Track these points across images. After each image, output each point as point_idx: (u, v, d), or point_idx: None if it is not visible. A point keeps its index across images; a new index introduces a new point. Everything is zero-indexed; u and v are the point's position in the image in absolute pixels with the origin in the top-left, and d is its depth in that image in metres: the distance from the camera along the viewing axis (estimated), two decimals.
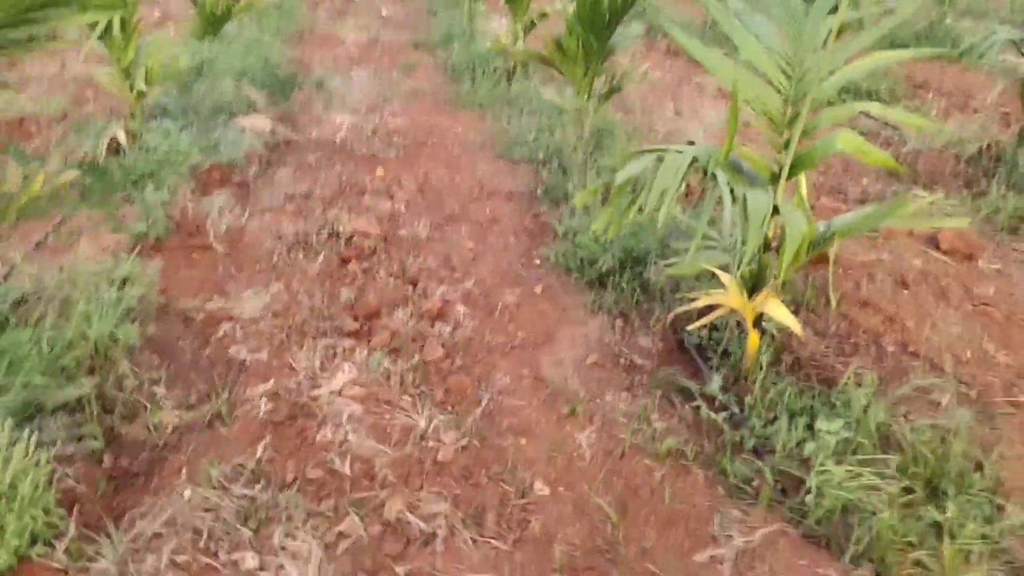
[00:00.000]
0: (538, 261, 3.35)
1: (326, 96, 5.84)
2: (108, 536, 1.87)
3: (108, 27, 4.07)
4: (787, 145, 2.30)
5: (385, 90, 6.10)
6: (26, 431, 1.93)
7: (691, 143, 2.33)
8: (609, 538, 1.94)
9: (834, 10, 2.31)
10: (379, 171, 4.31)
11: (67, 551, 1.83)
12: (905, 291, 3.14)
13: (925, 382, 2.39)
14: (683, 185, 2.05)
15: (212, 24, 6.10)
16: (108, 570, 1.79)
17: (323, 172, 4.31)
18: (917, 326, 2.85)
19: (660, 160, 2.10)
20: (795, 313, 2.84)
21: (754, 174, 2.37)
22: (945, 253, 3.46)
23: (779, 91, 2.35)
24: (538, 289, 3.11)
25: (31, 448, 1.89)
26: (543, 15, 5.93)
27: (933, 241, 3.55)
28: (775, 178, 2.33)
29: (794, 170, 2.32)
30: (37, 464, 1.87)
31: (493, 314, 2.93)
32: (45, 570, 1.78)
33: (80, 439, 2.20)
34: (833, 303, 2.95)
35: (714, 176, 2.16)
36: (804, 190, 2.41)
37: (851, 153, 2.21)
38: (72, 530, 1.87)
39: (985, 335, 2.83)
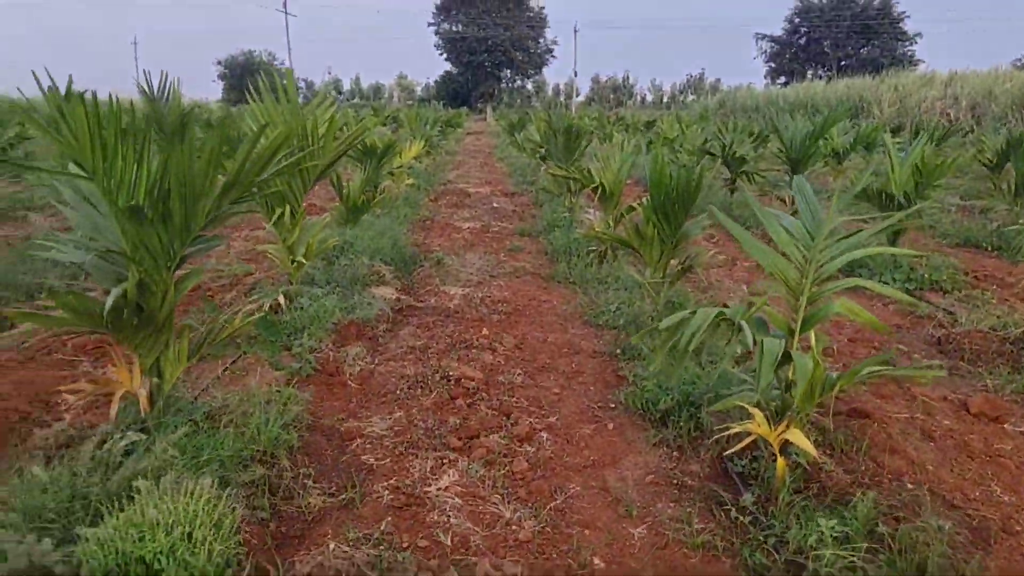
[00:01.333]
0: (612, 405, 4.00)
1: (443, 272, 6.87)
2: (277, 570, 2.56)
3: (281, 214, 5.22)
4: (798, 308, 2.97)
5: (493, 268, 7.10)
6: (224, 492, 2.69)
7: (726, 306, 3.04)
8: None
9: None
10: (484, 331, 5.15)
11: None
12: (931, 443, 3.60)
13: (912, 495, 2.86)
14: (720, 338, 2.73)
15: (354, 213, 7.36)
16: None
17: (438, 331, 5.19)
18: (935, 469, 3.31)
19: (693, 313, 2.81)
20: (830, 456, 3.37)
21: (776, 329, 3.03)
22: (974, 416, 3.91)
23: (797, 267, 3.05)
24: (610, 425, 3.76)
25: (228, 503, 2.64)
26: (631, 208, 6.88)
27: (965, 406, 4.01)
28: (792, 332, 2.99)
29: (806, 325, 2.97)
30: (233, 511, 2.61)
31: (571, 442, 3.58)
32: None
33: (253, 509, 2.94)
34: (863, 448, 3.45)
35: (739, 328, 2.83)
36: (813, 342, 3.03)
37: (845, 314, 2.86)
38: (248, 566, 2.57)
39: (995, 480, 3.26)
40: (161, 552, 2.37)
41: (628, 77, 73.93)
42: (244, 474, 3.04)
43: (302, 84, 58.50)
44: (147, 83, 7.55)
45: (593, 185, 6.80)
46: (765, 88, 48.37)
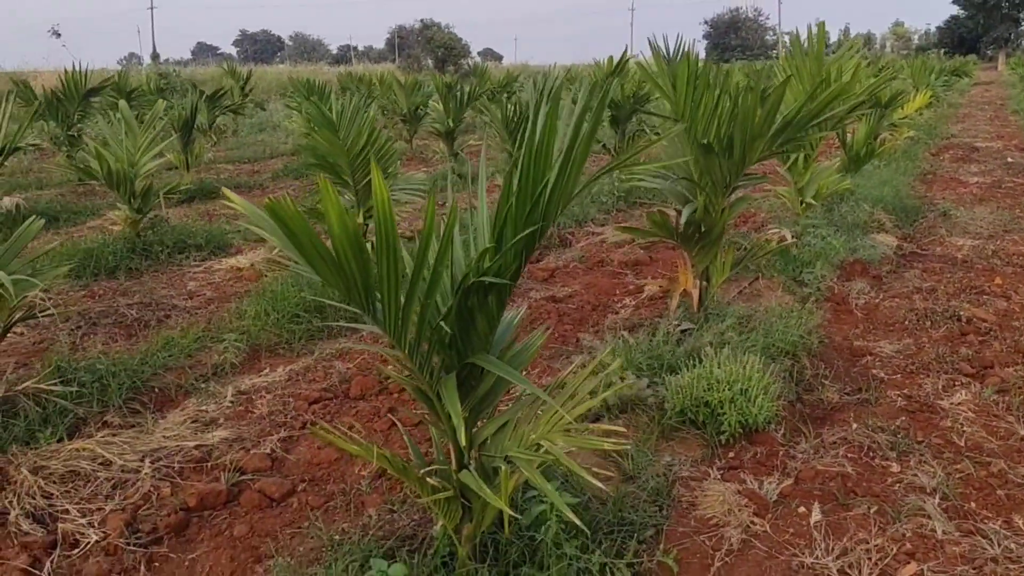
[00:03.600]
0: None
1: (949, 224, 6.74)
2: (804, 436, 3.18)
3: (795, 159, 5.74)
4: None
5: (1007, 223, 6.74)
6: (766, 369, 3.38)
7: None
8: None
9: None
10: (997, 280, 5.08)
11: (782, 435, 3.18)
12: None
13: None
14: None
15: (856, 163, 7.53)
16: (806, 449, 3.09)
17: (945, 276, 5.27)
18: None
19: None
20: None
21: None
22: None
23: None
24: None
25: (771, 377, 3.32)
26: None
27: None
28: None
29: None
30: (774, 383, 3.28)
31: None
32: (771, 438, 3.15)
33: (783, 392, 3.59)
34: None
35: None
36: None
37: None
38: (784, 427, 3.23)
39: None
40: (723, 400, 3.15)
41: None
42: (774, 364, 3.71)
43: (786, 38, 57.23)
44: (665, 45, 8.61)
45: None
46: None
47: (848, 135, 7.58)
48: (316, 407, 3.53)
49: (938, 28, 61.74)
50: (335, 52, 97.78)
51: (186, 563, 2.45)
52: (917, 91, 12.02)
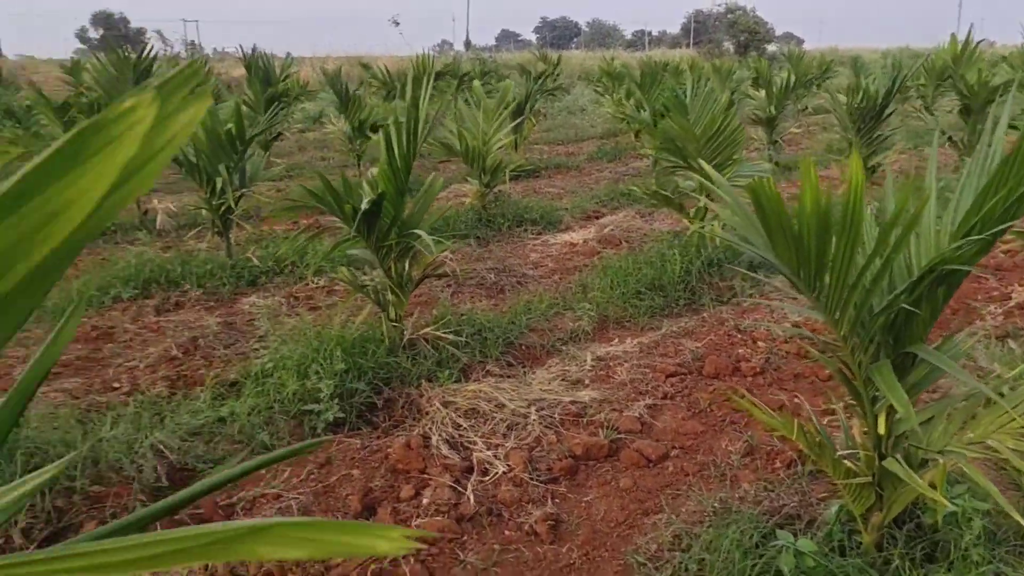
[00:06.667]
0: None
1: None
2: None
3: None
4: None
5: None
6: None
7: None
8: None
9: None
10: None
11: None
12: None
13: None
14: None
15: None
16: None
17: None
18: None
19: None
20: None
21: None
22: None
23: None
24: None
25: None
26: None
27: None
28: None
29: None
30: None
31: None
32: None
33: None
34: None
35: None
36: None
37: None
38: None
39: None
40: None
41: None
42: None
43: None
44: None
45: None
46: None
47: None
48: (673, 380, 3.68)
49: None
50: (629, 37, 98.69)
51: (583, 503, 2.70)
52: None
